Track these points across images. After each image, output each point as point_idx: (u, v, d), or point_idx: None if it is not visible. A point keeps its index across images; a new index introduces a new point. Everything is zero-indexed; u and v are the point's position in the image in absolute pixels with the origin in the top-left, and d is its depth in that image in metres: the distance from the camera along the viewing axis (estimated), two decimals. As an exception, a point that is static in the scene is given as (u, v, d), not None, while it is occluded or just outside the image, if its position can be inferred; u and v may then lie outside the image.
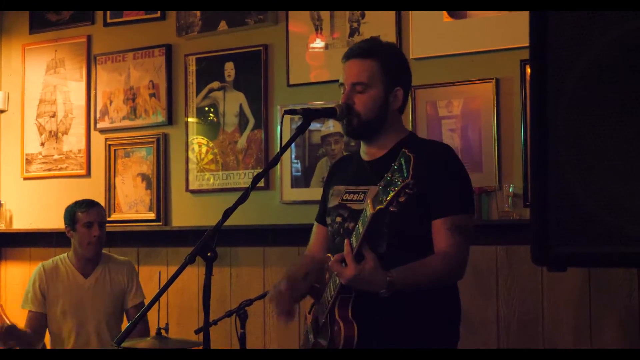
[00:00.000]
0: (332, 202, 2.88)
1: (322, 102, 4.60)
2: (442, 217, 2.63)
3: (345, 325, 2.60)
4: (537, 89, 1.38)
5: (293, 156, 4.78)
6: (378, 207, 2.33)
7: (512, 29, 4.14)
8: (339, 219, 2.82)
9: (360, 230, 2.44)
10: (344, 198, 2.82)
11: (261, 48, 4.91)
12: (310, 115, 2.67)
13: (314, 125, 4.66)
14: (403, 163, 2.25)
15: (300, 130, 2.65)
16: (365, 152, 2.85)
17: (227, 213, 2.43)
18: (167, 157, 5.24)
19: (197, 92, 5.12)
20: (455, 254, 2.62)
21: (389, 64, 2.77)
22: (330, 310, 2.65)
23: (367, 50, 2.77)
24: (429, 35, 4.38)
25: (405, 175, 2.23)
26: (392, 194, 2.27)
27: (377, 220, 2.41)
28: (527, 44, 1.55)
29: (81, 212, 4.32)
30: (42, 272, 4.36)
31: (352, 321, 2.60)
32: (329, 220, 2.90)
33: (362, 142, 2.87)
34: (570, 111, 1.36)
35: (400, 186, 2.25)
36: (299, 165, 4.77)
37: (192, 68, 5.14)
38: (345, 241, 2.51)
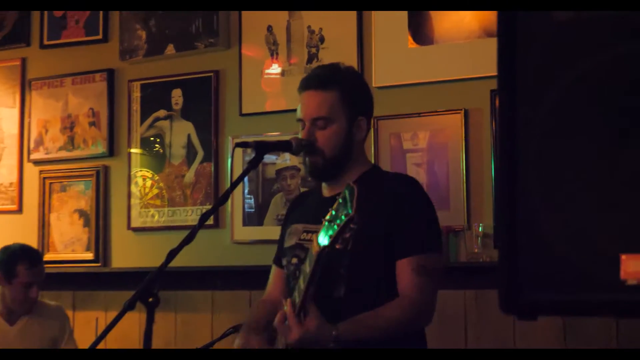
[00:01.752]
0: (289, 242, 2.87)
1: (278, 133, 4.60)
2: (406, 257, 2.63)
3: None
4: (505, 120, 1.39)
5: (245, 191, 4.77)
6: (323, 245, 2.32)
7: (481, 57, 4.19)
8: (294, 260, 2.80)
9: (307, 270, 2.43)
10: (301, 238, 2.81)
11: (212, 74, 4.91)
12: (263, 148, 2.66)
13: (269, 158, 4.65)
14: (347, 196, 2.24)
15: (252, 165, 2.64)
16: (326, 187, 2.85)
17: (172, 254, 2.41)
18: (107, 192, 5.20)
19: (142, 121, 5.10)
20: (418, 298, 2.61)
21: (350, 93, 2.75)
22: None
23: (325, 79, 2.75)
24: (393, 62, 4.42)
25: (349, 209, 2.22)
26: (336, 230, 2.25)
27: (325, 259, 2.39)
28: (497, 73, 1.56)
29: (24, 268, 4.12)
30: None
31: None
32: (284, 262, 2.88)
33: None
34: (541, 145, 1.36)
35: (344, 221, 2.23)
36: (252, 202, 4.76)
37: (137, 95, 5.12)
38: (288, 301, 2.50)
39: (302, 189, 4.53)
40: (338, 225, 2.25)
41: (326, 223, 2.30)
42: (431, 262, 2.65)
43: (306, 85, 2.78)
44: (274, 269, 3.04)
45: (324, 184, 2.86)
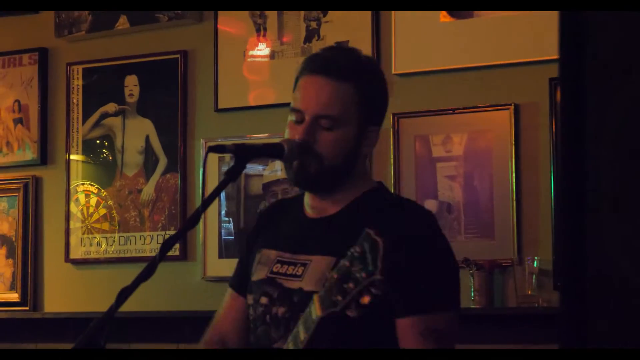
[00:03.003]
0: (258, 274, 2.84)
1: (265, 135, 4.61)
2: (410, 317, 2.62)
3: None
4: (569, 121, 1.39)
5: (223, 212, 4.77)
6: (330, 310, 2.30)
7: (537, 35, 4.19)
8: (264, 300, 2.78)
9: (302, 337, 2.43)
10: (274, 270, 2.79)
11: (178, 56, 4.92)
12: (246, 154, 2.66)
13: (254, 168, 4.66)
14: (367, 250, 2.18)
15: (232, 177, 2.64)
16: (311, 205, 2.83)
17: (124, 294, 2.40)
18: (38, 212, 5.21)
19: (85, 119, 5.11)
20: None
21: (369, 93, 2.75)
22: None
23: (342, 67, 2.73)
24: (419, 41, 4.42)
25: (371, 268, 2.16)
26: (351, 294, 2.20)
27: (329, 326, 2.38)
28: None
29: None
30: None
31: None
32: (250, 300, 2.85)
33: (309, 193, 2.85)
34: (617, 154, 1.36)
35: (364, 283, 2.17)
36: (230, 226, 4.76)
37: (78, 83, 5.13)
38: None
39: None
40: (353, 287, 2.20)
41: (334, 281, 2.25)
42: (442, 324, 2.64)
43: (315, 67, 2.75)
44: (230, 295, 3.01)
45: (307, 200, 2.84)
